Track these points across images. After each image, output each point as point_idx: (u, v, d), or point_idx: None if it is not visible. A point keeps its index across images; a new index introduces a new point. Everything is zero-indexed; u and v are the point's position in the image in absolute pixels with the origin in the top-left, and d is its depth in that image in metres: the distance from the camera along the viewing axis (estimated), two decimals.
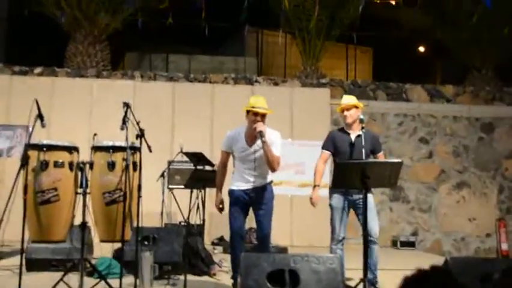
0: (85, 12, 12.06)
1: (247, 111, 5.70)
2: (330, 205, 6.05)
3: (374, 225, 5.86)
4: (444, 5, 13.04)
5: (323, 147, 6.22)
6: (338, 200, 5.94)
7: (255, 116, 5.60)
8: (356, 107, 6.08)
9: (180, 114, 10.46)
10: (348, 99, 6.18)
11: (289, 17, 12.74)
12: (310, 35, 12.77)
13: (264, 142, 5.51)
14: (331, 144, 6.12)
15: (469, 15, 12.37)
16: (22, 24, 13.59)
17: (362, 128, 5.83)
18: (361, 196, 5.61)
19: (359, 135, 5.94)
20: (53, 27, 12.59)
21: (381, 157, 6.06)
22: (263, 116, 5.63)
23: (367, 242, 5.31)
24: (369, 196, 5.87)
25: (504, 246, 10.79)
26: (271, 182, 5.92)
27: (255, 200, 5.78)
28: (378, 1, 13.22)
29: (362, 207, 5.45)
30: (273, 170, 5.73)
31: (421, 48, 19.02)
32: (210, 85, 11.06)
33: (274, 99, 10.30)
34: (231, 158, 5.94)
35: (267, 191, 5.86)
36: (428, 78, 14.79)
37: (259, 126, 5.51)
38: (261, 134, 5.48)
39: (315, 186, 6.12)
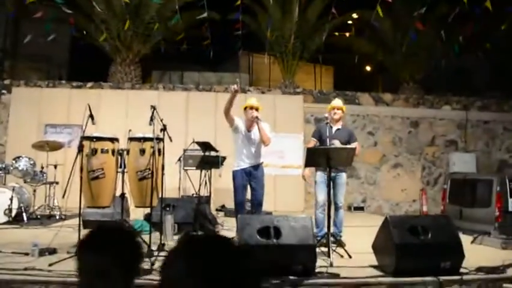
0: (123, 42, 12.04)
1: (245, 108, 5.88)
2: (315, 180, 6.03)
3: (340, 196, 5.87)
4: (383, 37, 13.10)
5: (312, 136, 6.18)
6: (320, 176, 5.94)
7: (251, 109, 5.78)
8: (343, 109, 6.15)
9: (192, 114, 10.43)
10: (340, 102, 6.17)
11: (272, 43, 12.72)
12: (287, 56, 12.76)
13: (259, 122, 5.68)
14: (317, 134, 6.09)
15: (401, 44, 12.46)
16: (79, 51, 13.56)
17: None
18: (336, 174, 5.65)
19: (338, 129, 5.97)
20: (101, 53, 12.56)
21: (354, 146, 5.88)
22: (256, 109, 5.80)
23: (330, 205, 5.34)
24: (343, 174, 5.94)
25: (425, 208, 10.90)
26: (262, 162, 5.95)
27: (252, 176, 5.81)
28: (336, 34, 13.20)
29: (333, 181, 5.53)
30: (266, 143, 5.83)
31: (368, 67, 19.03)
32: (214, 94, 11.01)
33: (261, 103, 10.24)
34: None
35: (260, 169, 5.89)
36: (372, 88, 14.82)
37: (255, 113, 5.72)
38: (257, 118, 5.69)
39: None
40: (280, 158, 10.35)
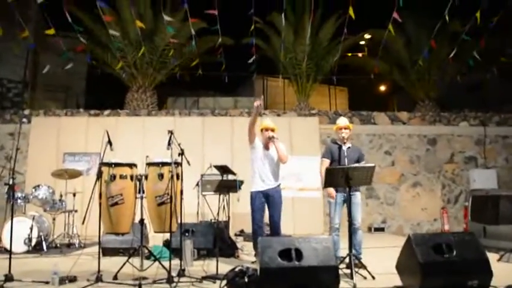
0: (139, 70, 12.23)
1: (261, 130, 6.04)
2: (329, 201, 5.99)
3: (358, 215, 5.79)
4: (397, 56, 13.09)
5: (323, 156, 6.13)
6: (335, 197, 5.89)
7: (267, 131, 5.96)
8: (350, 128, 6.09)
9: (208, 140, 10.46)
10: (345, 121, 6.13)
11: (286, 66, 12.79)
12: (302, 79, 12.82)
13: (275, 141, 5.85)
14: (328, 154, 6.07)
15: (414, 62, 12.46)
16: (96, 80, 13.79)
17: (345, 143, 5.86)
18: (351, 194, 5.57)
19: (348, 147, 5.94)
20: (117, 81, 12.76)
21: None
22: (272, 130, 5.97)
23: (351, 226, 5.26)
24: (358, 194, 5.86)
25: (447, 227, 10.68)
26: (280, 184, 5.95)
27: (270, 198, 5.82)
28: (349, 54, 13.25)
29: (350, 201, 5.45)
30: (284, 161, 5.93)
31: (382, 87, 19.03)
32: (229, 118, 11.06)
33: (277, 126, 10.32)
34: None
35: (278, 191, 5.89)
36: (388, 108, 14.77)
37: (271, 134, 5.91)
38: (273, 137, 5.87)
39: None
40: (297, 180, 10.30)
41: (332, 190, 5.87)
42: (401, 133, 11.60)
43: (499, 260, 6.19)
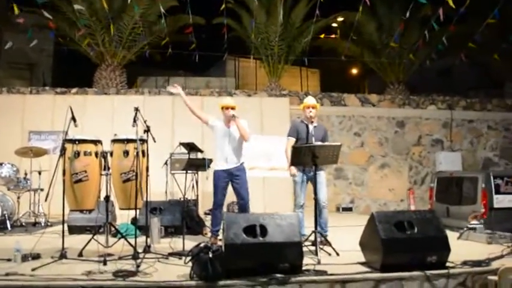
0: (108, 48, 11.97)
1: (222, 108, 5.99)
2: (294, 180, 6.04)
3: (323, 194, 5.85)
4: (369, 39, 13.18)
5: (289, 135, 6.17)
6: (299, 176, 5.94)
7: (227, 109, 5.91)
8: (316, 107, 6.09)
9: (178, 119, 10.36)
10: (313, 100, 6.14)
11: (258, 47, 12.73)
12: (273, 60, 12.79)
13: (236, 119, 5.80)
14: (295, 132, 6.10)
15: (385, 46, 12.56)
16: (63, 57, 13.46)
17: (312, 122, 5.90)
18: (316, 172, 5.63)
19: (315, 126, 5.96)
20: (85, 59, 12.48)
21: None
22: (232, 108, 5.92)
23: (317, 205, 5.32)
24: (322, 172, 5.90)
25: (413, 208, 10.91)
26: (243, 163, 5.99)
27: (234, 177, 5.85)
28: (322, 36, 13.25)
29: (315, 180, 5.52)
30: (246, 138, 5.89)
31: (354, 70, 19.17)
32: (200, 97, 10.98)
33: (248, 106, 10.36)
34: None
35: (242, 169, 5.94)
36: (359, 91, 14.91)
37: (232, 112, 5.85)
38: (233, 116, 5.80)
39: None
40: (268, 160, 10.32)
41: (293, 168, 5.93)
42: (371, 115, 11.75)
43: (458, 238, 6.39)
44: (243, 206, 5.86)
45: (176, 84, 5.84)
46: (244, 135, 5.85)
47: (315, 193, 5.35)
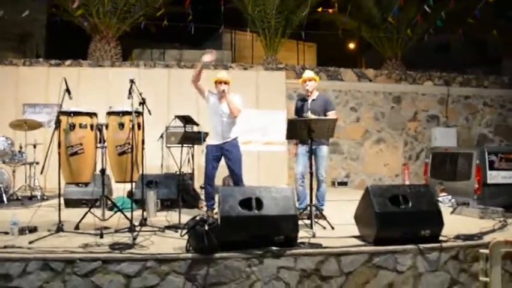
0: (102, 19, 11.79)
1: (215, 82, 5.95)
2: (296, 153, 6.05)
3: (322, 168, 5.88)
4: (367, 13, 13.03)
5: (294, 113, 6.23)
6: (300, 148, 5.96)
7: (220, 84, 5.88)
8: (315, 79, 6.07)
9: (174, 92, 10.30)
10: (310, 73, 6.14)
11: (255, 19, 12.58)
12: (270, 33, 12.64)
13: (226, 95, 5.78)
14: (295, 110, 6.19)
15: (384, 20, 12.44)
16: (56, 28, 13.24)
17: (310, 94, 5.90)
18: (317, 146, 5.66)
19: (313, 100, 5.95)
20: (79, 30, 12.29)
21: (332, 115, 5.90)
22: (226, 82, 5.87)
23: (312, 178, 5.33)
24: (323, 147, 5.91)
25: (407, 183, 10.98)
26: (237, 138, 6.01)
27: (225, 151, 5.90)
28: (319, 9, 13.08)
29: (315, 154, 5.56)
30: (234, 114, 5.88)
31: (351, 44, 19.03)
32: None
33: (244, 79, 10.30)
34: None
35: (233, 144, 5.96)
36: (356, 66, 14.83)
37: (223, 87, 5.82)
38: (223, 91, 5.78)
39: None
40: (263, 134, 10.36)
41: (293, 148, 5.98)
42: (367, 90, 11.71)
43: (451, 212, 6.47)
44: (235, 181, 5.90)
45: (209, 54, 5.66)
46: (232, 111, 5.83)
47: (311, 167, 5.37)
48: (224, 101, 5.85)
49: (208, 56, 5.65)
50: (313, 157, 5.65)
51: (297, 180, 5.91)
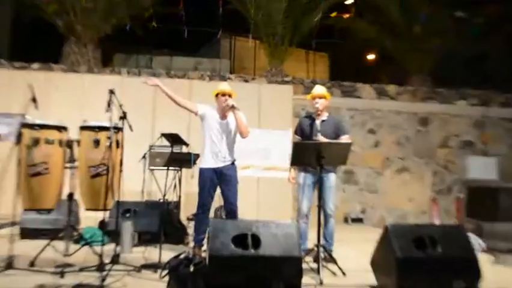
0: (79, 18, 11.85)
1: (216, 95, 5.92)
2: (297, 182, 5.98)
3: (330, 201, 5.81)
4: (389, 19, 13.10)
5: (295, 133, 6.19)
6: (302, 178, 5.90)
7: (223, 96, 5.82)
8: (325, 97, 6.02)
9: (161, 106, 10.25)
10: (321, 89, 6.10)
11: (258, 24, 12.65)
12: (275, 40, 12.71)
13: (235, 111, 5.67)
14: (299, 130, 6.10)
15: (409, 28, 12.48)
16: (23, 25, 13.29)
17: (318, 115, 5.82)
18: (324, 175, 5.59)
19: (323, 121, 5.90)
20: (51, 29, 12.33)
21: (345, 140, 5.86)
22: (230, 95, 5.83)
23: (320, 213, 5.26)
24: (332, 175, 5.85)
25: (436, 222, 10.86)
26: (235, 161, 5.95)
27: (223, 177, 5.80)
28: (333, 15, 13.18)
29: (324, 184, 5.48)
30: (245, 135, 5.81)
31: (370, 56, 19.12)
32: (187, 81, 10.90)
33: (244, 94, 10.25)
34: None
35: (232, 168, 5.89)
36: (375, 80, 14.85)
37: (231, 101, 5.71)
38: (233, 106, 5.66)
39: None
40: (264, 158, 10.30)
41: (293, 174, 5.94)
42: (389, 109, 11.69)
43: (493, 262, 6.32)
44: (231, 212, 5.81)
45: (151, 78, 5.78)
46: (243, 131, 5.76)
47: (320, 199, 5.30)
48: (229, 117, 5.84)
49: (149, 81, 5.92)
50: (318, 188, 5.61)
51: (302, 217, 5.84)
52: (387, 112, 11.68)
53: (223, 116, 5.88)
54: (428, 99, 12.03)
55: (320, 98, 5.97)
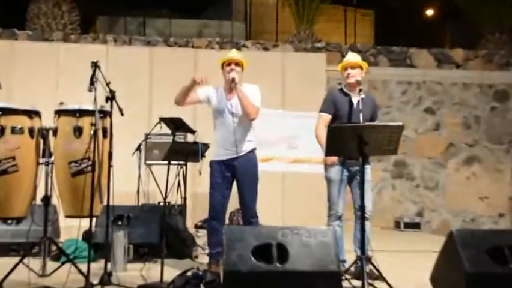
0: None
1: (222, 66, 5.91)
2: (327, 178, 5.98)
3: (367, 199, 5.80)
4: None
5: (322, 110, 6.10)
6: (336, 171, 5.88)
7: (229, 66, 5.81)
8: (361, 67, 6.01)
9: (159, 82, 10.36)
10: (354, 57, 6.08)
11: None
12: None
13: (236, 87, 5.68)
14: (331, 106, 6.02)
15: None
16: None
17: (360, 90, 5.78)
18: (359, 168, 5.58)
19: (362, 99, 5.87)
20: None
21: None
22: (237, 64, 5.82)
23: (363, 214, 5.28)
24: (368, 168, 5.84)
25: None
26: (254, 149, 5.96)
27: (238, 170, 5.82)
28: None
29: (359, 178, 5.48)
30: (251, 117, 5.80)
31: (429, 11, 18.97)
32: (192, 50, 10.98)
33: (264, 65, 10.33)
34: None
35: (250, 158, 5.91)
36: (435, 42, 14.73)
37: (232, 74, 5.72)
38: (233, 80, 5.68)
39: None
40: (291, 147, 10.33)
41: (332, 157, 5.85)
42: (453, 81, 11.67)
43: None
44: (247, 216, 5.85)
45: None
46: (248, 111, 5.74)
47: (362, 198, 5.31)
48: (234, 95, 5.83)
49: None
50: (351, 183, 5.73)
51: (333, 219, 5.86)
52: (450, 85, 11.64)
53: (228, 96, 5.88)
54: (507, 66, 11.95)
55: (354, 67, 5.97)
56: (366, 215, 5.73)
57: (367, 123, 5.41)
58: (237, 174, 5.82)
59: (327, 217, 6.01)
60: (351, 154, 5.48)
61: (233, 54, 6.00)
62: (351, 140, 5.09)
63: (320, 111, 6.13)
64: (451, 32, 17.90)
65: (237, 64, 5.82)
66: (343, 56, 11.15)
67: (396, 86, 11.32)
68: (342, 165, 5.83)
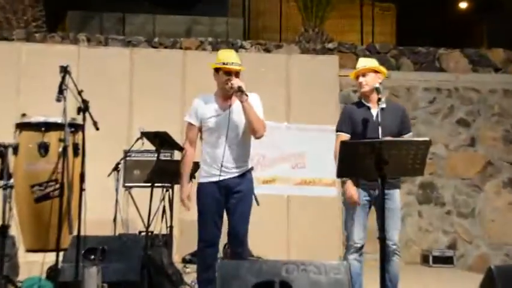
0: None
1: (216, 70, 5.77)
2: (345, 203, 6.02)
3: (393, 230, 5.81)
4: None
5: (339, 129, 6.10)
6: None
7: (227, 76, 5.67)
8: (376, 71, 6.02)
9: (141, 90, 10.40)
10: (365, 62, 6.10)
11: None
12: None
13: (243, 97, 5.53)
14: (348, 123, 6.05)
15: None
16: None
17: (379, 100, 5.81)
18: (386, 191, 5.58)
19: (382, 109, 5.89)
20: None
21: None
22: (237, 74, 5.70)
23: (383, 249, 5.29)
24: (396, 192, 5.86)
25: None
26: (251, 169, 5.95)
27: (232, 192, 5.79)
28: None
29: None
30: (259, 134, 5.76)
31: (462, 3, 19.05)
32: (180, 52, 11.01)
33: (265, 69, 10.37)
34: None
35: (246, 180, 5.88)
36: (470, 41, 14.79)
37: (236, 82, 5.56)
38: (240, 89, 5.51)
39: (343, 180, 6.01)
40: (297, 166, 10.33)
41: (352, 189, 5.85)
42: (491, 87, 11.71)
43: None
44: (236, 243, 5.78)
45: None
46: (256, 127, 5.71)
47: (381, 228, 5.33)
48: (234, 104, 5.73)
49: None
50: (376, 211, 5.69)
51: (351, 252, 5.86)
52: (488, 92, 11.68)
53: (226, 103, 5.83)
54: None
55: (365, 73, 5.99)
56: (394, 248, 5.76)
57: (386, 139, 5.42)
58: (231, 196, 5.82)
59: (343, 248, 6.03)
60: (368, 175, 5.49)
61: (233, 59, 5.81)
62: (368, 159, 5.11)
63: (337, 131, 6.14)
64: (488, 28, 17.96)
65: (236, 73, 5.72)
66: (359, 58, 11.27)
67: (422, 94, 11.35)
68: (363, 188, 5.84)
